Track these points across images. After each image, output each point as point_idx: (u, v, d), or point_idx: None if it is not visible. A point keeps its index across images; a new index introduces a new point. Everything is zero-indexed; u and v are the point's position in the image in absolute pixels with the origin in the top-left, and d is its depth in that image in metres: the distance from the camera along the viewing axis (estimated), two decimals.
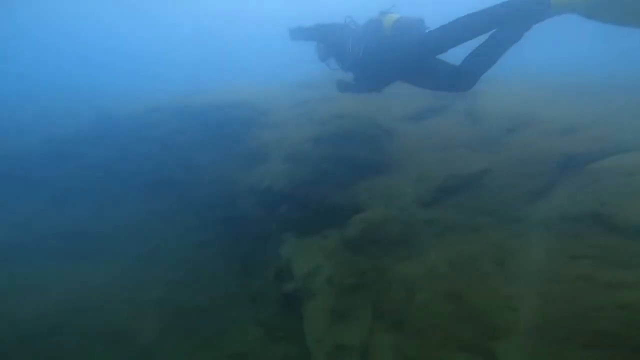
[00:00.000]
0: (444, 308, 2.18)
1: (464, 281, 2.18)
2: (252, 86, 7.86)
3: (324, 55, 3.48)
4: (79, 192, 5.45)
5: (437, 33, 2.94)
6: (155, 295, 3.41)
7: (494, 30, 2.82)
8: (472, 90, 3.88)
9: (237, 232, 4.22)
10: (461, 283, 2.20)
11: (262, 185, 4.29)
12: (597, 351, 1.37)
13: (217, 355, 2.83)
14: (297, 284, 3.23)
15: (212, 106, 6.23)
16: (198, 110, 6.30)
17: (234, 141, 5.34)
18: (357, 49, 3.16)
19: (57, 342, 2.95)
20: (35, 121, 7.80)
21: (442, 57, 3.18)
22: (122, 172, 5.64)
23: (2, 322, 3.18)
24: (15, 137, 7.06)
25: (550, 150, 3.09)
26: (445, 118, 4.44)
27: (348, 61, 3.28)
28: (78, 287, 3.55)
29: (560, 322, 1.55)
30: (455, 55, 3.06)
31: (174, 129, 6.05)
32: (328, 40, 3.40)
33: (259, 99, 6.42)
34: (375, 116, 4.74)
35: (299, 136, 4.69)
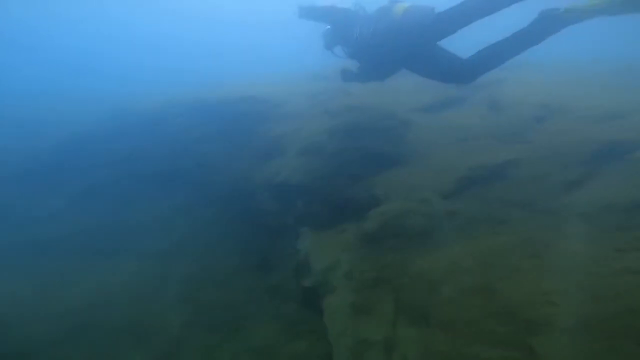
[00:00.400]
0: (472, 302, 2.10)
1: (494, 275, 2.09)
2: (263, 80, 7.84)
3: (331, 41, 3.42)
4: (99, 189, 5.55)
5: (448, 12, 2.91)
6: (177, 291, 3.44)
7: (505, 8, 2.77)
8: (493, 79, 3.75)
9: (254, 227, 4.21)
10: (490, 277, 2.11)
11: (278, 179, 4.26)
12: None
13: (240, 350, 2.82)
14: (316, 278, 3.20)
15: (224, 101, 6.23)
16: (211, 105, 6.30)
17: (249, 135, 5.32)
18: (365, 34, 3.12)
19: (91, 336, 3.01)
20: (53, 121, 7.96)
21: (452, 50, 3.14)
22: (140, 168, 5.71)
23: (40, 315, 3.26)
24: (36, 136, 7.21)
25: (587, 139, 2.90)
26: (465, 108, 4.31)
27: (354, 47, 3.23)
28: (106, 283, 3.62)
29: (610, 318, 1.46)
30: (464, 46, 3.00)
31: (188, 124, 6.08)
32: (337, 23, 3.35)
33: (271, 93, 6.39)
34: (391, 108, 4.65)
35: (314, 129, 4.64)
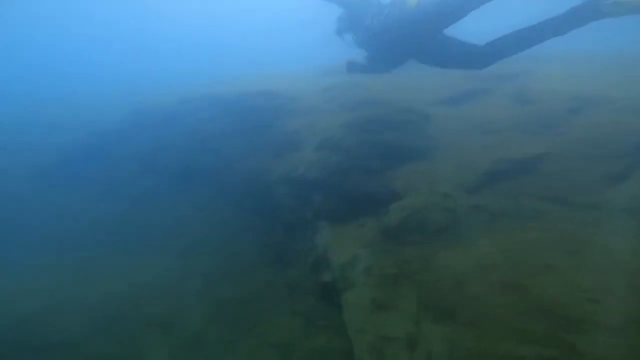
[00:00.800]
0: (502, 299, 2.02)
1: (525, 272, 2.00)
2: (277, 75, 7.80)
3: (343, 27, 3.39)
4: (120, 186, 5.62)
5: None
6: (196, 286, 3.45)
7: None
8: (516, 71, 3.60)
9: (271, 221, 4.19)
10: (521, 273, 2.02)
11: (295, 173, 4.22)
12: None
13: (259, 344, 2.80)
14: (335, 273, 3.15)
15: (240, 95, 6.22)
16: (226, 100, 6.30)
17: (265, 129, 5.29)
18: (377, 22, 3.09)
19: (119, 330, 3.05)
20: (76, 118, 8.13)
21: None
22: (158, 164, 5.76)
23: (68, 310, 3.34)
24: (58, 136, 7.37)
25: (627, 130, 2.71)
26: (488, 101, 4.15)
27: (365, 35, 3.20)
28: (129, 278, 3.68)
29: None
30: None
31: (205, 120, 6.09)
32: (350, 8, 3.32)
33: (285, 87, 6.35)
34: (410, 101, 4.55)
35: (331, 123, 4.58)
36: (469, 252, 2.54)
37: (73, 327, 3.16)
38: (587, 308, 1.53)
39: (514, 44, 2.80)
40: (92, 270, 3.95)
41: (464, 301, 2.27)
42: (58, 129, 7.83)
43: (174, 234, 4.39)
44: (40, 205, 5.55)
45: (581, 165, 2.69)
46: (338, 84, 5.96)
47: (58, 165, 6.42)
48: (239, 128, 5.61)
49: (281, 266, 3.72)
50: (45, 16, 25.07)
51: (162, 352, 2.83)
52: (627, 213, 2.16)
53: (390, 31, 3.03)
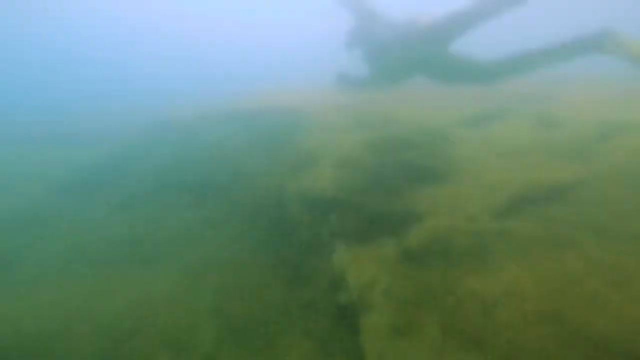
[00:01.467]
0: (539, 329, 1.90)
1: (565, 301, 1.89)
2: (294, 91, 7.91)
3: (353, 39, 3.47)
4: (135, 201, 5.61)
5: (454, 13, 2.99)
6: (209, 304, 3.35)
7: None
8: (537, 92, 3.58)
9: (286, 240, 4.11)
10: (560, 303, 1.91)
11: (311, 192, 4.18)
12: None
13: None
14: (352, 295, 3.05)
15: (258, 112, 6.29)
16: (244, 116, 6.38)
17: (282, 146, 5.31)
18: (386, 35, 3.18)
19: (130, 351, 2.95)
20: (94, 133, 8.30)
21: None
22: (174, 179, 5.77)
23: (80, 327, 3.26)
24: (78, 150, 7.51)
25: None
26: (511, 123, 4.12)
27: (373, 48, 3.26)
28: (141, 295, 3.59)
29: None
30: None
31: (222, 136, 6.15)
32: (362, 19, 3.42)
33: (303, 103, 6.41)
34: (430, 121, 4.54)
35: (349, 141, 4.58)
36: (497, 278, 2.44)
37: (83, 346, 3.06)
38: None
39: (521, 63, 2.89)
40: (102, 286, 3.87)
41: (493, 329, 2.16)
42: (76, 144, 7.98)
43: (186, 250, 4.32)
44: (55, 221, 5.55)
45: (617, 193, 2.56)
46: (356, 101, 6.00)
47: (75, 181, 6.48)
48: (255, 144, 5.64)
49: (295, 286, 3.61)
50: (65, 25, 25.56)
51: None
52: None
53: (399, 45, 3.11)
